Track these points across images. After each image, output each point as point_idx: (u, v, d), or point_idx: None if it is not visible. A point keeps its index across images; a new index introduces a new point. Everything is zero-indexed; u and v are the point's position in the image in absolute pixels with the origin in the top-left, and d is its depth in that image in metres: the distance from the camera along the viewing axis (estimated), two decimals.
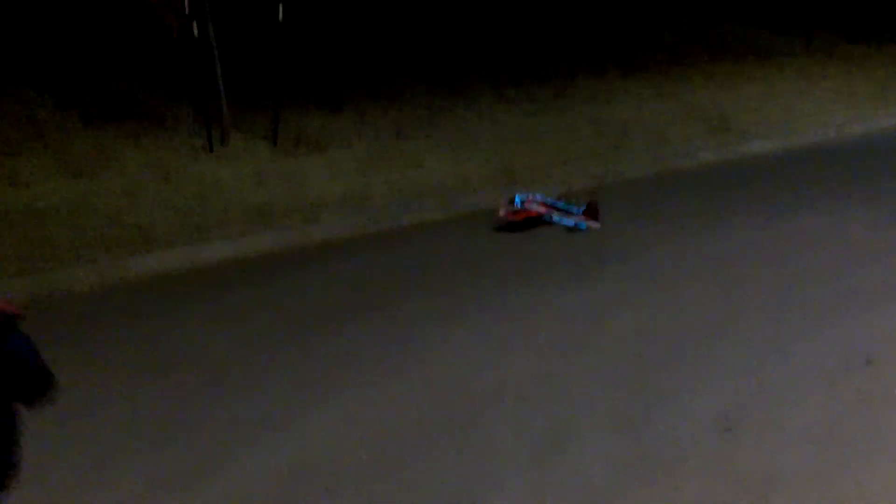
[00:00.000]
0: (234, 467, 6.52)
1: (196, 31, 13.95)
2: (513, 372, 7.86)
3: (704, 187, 14.55)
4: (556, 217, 12.22)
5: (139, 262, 10.93)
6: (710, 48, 23.68)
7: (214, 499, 6.17)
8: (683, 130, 17.46)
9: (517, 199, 12.22)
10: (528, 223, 12.15)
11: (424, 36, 20.32)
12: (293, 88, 15.96)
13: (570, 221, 12.19)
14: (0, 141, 13.40)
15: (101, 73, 15.57)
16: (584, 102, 18.68)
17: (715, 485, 6.02)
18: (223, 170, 13.68)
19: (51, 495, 6.21)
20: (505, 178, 14.11)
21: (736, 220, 12.35)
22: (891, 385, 7.47)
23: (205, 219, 12.04)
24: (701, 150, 16.61)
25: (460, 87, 18.58)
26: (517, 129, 16.32)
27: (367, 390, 7.61)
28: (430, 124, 16.53)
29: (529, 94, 18.68)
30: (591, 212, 12.30)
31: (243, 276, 10.82)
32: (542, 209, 12.25)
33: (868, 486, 5.97)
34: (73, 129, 14.10)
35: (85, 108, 14.63)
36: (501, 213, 12.27)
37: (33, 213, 11.78)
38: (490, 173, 14.36)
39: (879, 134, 18.88)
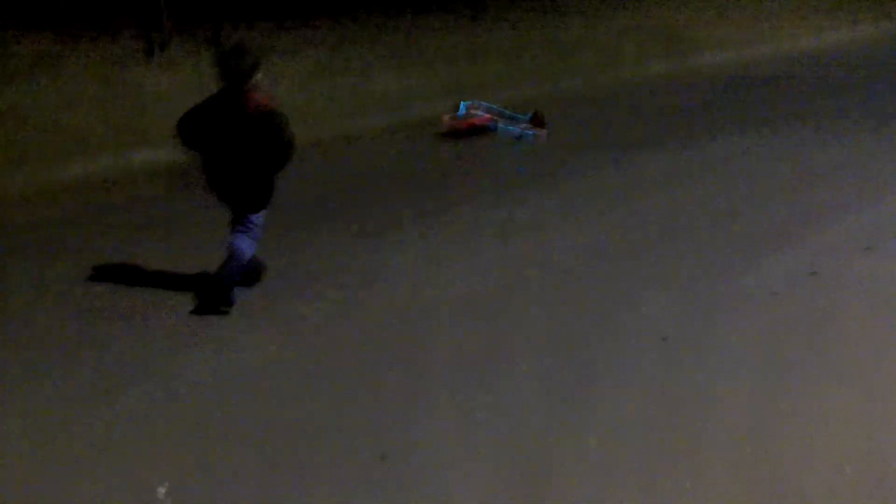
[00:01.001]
0: (141, 387, 6.06)
1: None
2: (451, 290, 7.60)
3: (655, 103, 14.41)
4: (501, 125, 12.05)
5: (73, 167, 10.59)
6: None
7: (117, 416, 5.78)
8: (636, 47, 17.27)
9: (462, 107, 12.03)
10: (472, 131, 11.97)
11: None
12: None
13: (515, 130, 12.03)
14: None
15: None
16: (536, 17, 18.47)
17: (650, 404, 5.83)
18: (163, 77, 13.36)
19: None
20: (451, 91, 13.80)
21: (684, 137, 12.23)
22: (834, 295, 7.40)
23: (142, 125, 11.70)
24: (651, 64, 16.46)
25: (408, 1, 18.34)
26: (466, 44, 16.08)
27: (300, 308, 7.26)
28: (376, 38, 16.27)
29: (480, 8, 18.45)
30: (537, 121, 12.13)
31: (178, 185, 10.42)
32: (486, 117, 12.07)
33: (805, 405, 5.80)
34: (10, 35, 13.77)
35: (23, 14, 14.30)
36: (445, 119, 12.09)
37: None
38: (436, 87, 14.12)
39: (829, 50, 18.86)
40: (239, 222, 7.06)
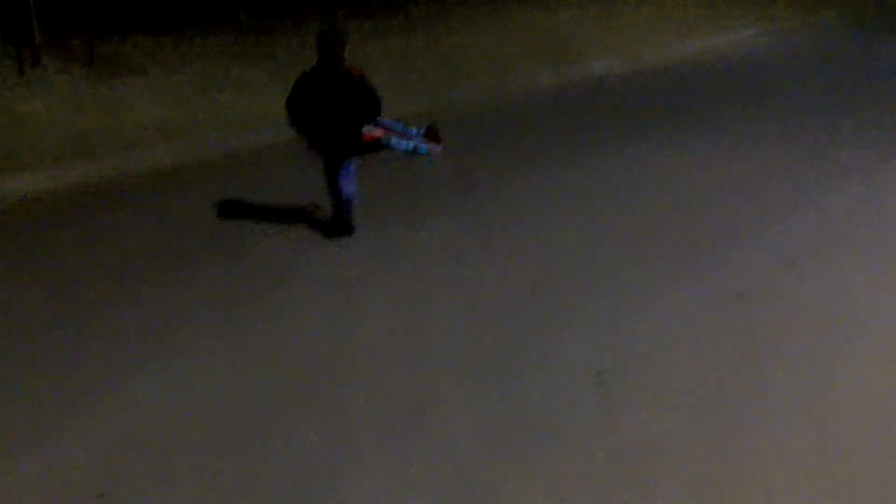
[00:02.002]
0: (53, 441, 5.61)
1: None
2: (366, 327, 7.10)
3: (547, 114, 14.08)
4: (393, 140, 11.53)
5: None
6: None
7: (30, 480, 5.27)
8: (521, 54, 16.97)
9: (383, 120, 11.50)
10: (364, 148, 11.46)
11: None
12: (111, 10, 14.99)
13: (408, 145, 11.55)
14: None
15: None
16: (418, 27, 18.09)
17: (593, 454, 5.41)
18: (34, 94, 12.64)
19: None
20: None
21: (584, 151, 11.84)
22: (764, 319, 7.10)
23: (13, 148, 11.00)
24: (541, 74, 16.15)
25: (287, 10, 17.82)
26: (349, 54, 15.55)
27: (201, 352, 6.70)
28: (257, 52, 15.74)
29: (365, 16, 17.99)
30: (432, 134, 11.66)
31: (55, 214, 9.71)
32: (378, 132, 11.53)
33: (751, 446, 5.47)
34: None
35: None
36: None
37: None
38: None
39: (715, 54, 18.72)
40: (339, 169, 8.88)
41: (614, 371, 6.31)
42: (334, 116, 8.75)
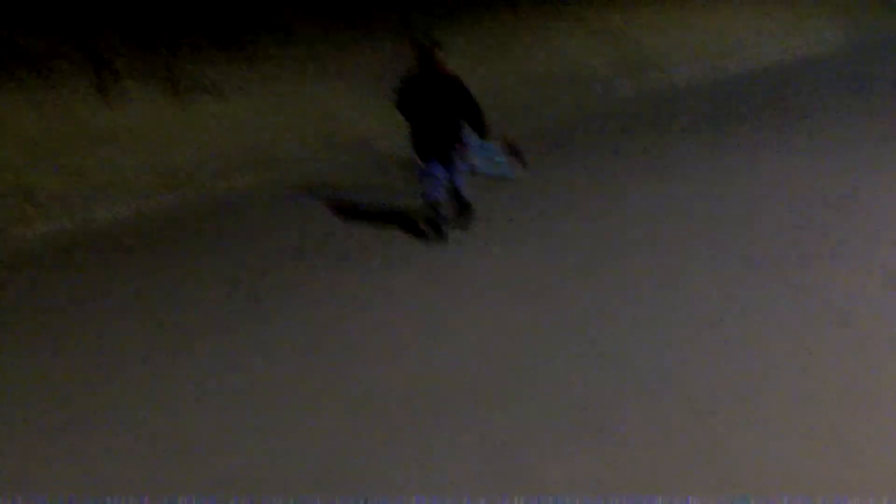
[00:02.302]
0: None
1: None
2: (455, 354, 6.90)
3: (632, 125, 13.85)
4: (479, 165, 11.38)
5: (22, 230, 9.83)
6: None
7: None
8: (598, 63, 16.77)
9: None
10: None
11: None
12: (188, 26, 15.00)
13: (494, 170, 11.42)
14: None
15: None
16: (493, 39, 17.94)
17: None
18: (115, 120, 12.68)
19: None
20: None
21: (676, 164, 11.63)
22: (870, 341, 6.68)
23: (96, 177, 11.00)
24: (623, 83, 15.94)
25: (362, 21, 17.75)
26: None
27: (284, 387, 6.57)
28: (343, 66, 15.69)
29: (435, 28, 17.86)
30: (509, 147, 11.55)
31: (137, 243, 9.67)
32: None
33: None
34: None
35: None
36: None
37: None
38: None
39: (792, 60, 18.33)
40: (448, 166, 9.36)
41: (717, 411, 6.07)
42: (434, 115, 9.22)
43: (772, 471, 5.31)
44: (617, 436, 5.71)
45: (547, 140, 13.19)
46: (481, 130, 9.27)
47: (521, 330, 7.27)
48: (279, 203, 10.76)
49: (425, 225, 9.63)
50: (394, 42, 17.02)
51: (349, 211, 10.30)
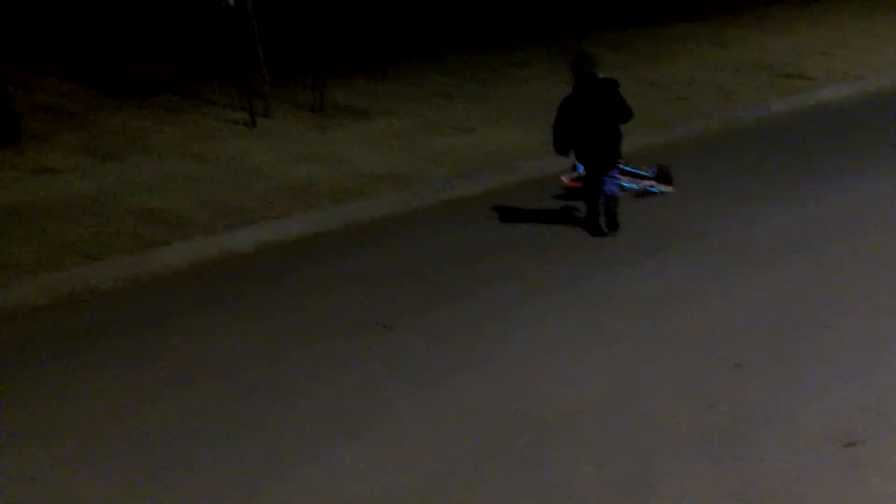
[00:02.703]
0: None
1: None
2: (586, 385, 6.75)
3: (779, 146, 13.50)
4: (625, 182, 11.22)
5: (170, 253, 9.84)
6: None
7: None
8: (748, 82, 16.42)
9: (579, 166, 11.24)
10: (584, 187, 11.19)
11: None
12: (334, 55, 15.13)
13: (641, 186, 11.27)
14: (28, 126, 12.65)
15: (129, 50, 14.86)
16: (637, 58, 17.77)
17: None
18: (262, 146, 12.84)
19: None
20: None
21: (826, 185, 11.21)
22: None
23: (245, 200, 11.08)
24: (769, 102, 15.58)
25: (506, 46, 17.72)
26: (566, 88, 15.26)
27: (414, 417, 6.49)
28: (475, 88, 15.66)
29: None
30: (664, 176, 11.35)
31: (278, 266, 9.65)
32: (579, 183, 11.23)
33: None
34: (103, 111, 13.37)
35: (114, 89, 13.93)
36: (564, 180, 11.33)
37: (62, 202, 10.86)
38: (543, 138, 13.35)
39: None
40: (604, 176, 9.95)
41: (862, 432, 5.83)
42: (599, 124, 9.83)
43: None
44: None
45: (694, 155, 12.95)
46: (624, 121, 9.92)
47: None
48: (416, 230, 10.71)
49: (597, 221, 10.06)
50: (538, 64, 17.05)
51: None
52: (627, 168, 11.25)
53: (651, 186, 11.19)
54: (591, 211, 10.10)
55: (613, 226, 10.01)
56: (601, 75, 9.90)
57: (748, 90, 15.95)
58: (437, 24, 18.48)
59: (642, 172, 11.36)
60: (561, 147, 10.11)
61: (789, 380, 6.63)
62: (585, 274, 8.93)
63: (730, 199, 10.85)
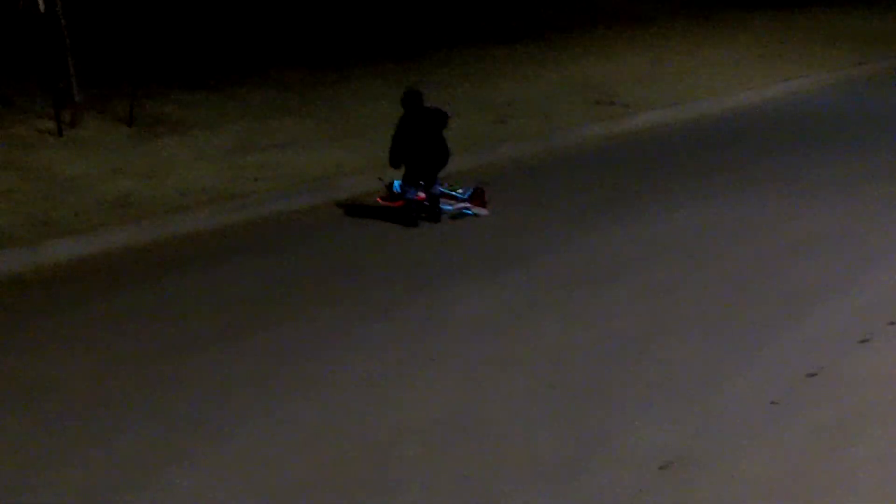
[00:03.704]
0: None
1: (42, 4, 12.77)
2: (416, 408, 6.75)
3: (597, 168, 13.67)
4: (442, 204, 11.23)
5: None
6: (590, 17, 23.20)
7: None
8: (569, 105, 16.60)
9: (395, 185, 11.21)
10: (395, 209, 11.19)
11: (294, 11, 19.42)
12: (152, 66, 14.79)
13: (454, 207, 11.27)
14: None
15: None
16: (463, 78, 17.83)
17: None
18: (74, 156, 12.43)
19: None
20: (383, 159, 12.81)
21: (638, 209, 11.45)
22: (843, 403, 6.65)
23: (53, 212, 10.74)
24: (590, 126, 15.73)
25: (336, 64, 17.65)
26: (395, 108, 15.19)
27: (247, 439, 6.37)
28: (302, 105, 15.51)
29: (406, 69, 17.75)
30: (479, 198, 11.37)
31: (95, 283, 9.39)
32: (421, 196, 11.21)
33: None
34: None
35: None
36: (379, 199, 11.28)
37: None
38: (367, 156, 13.28)
39: (770, 104, 18.11)
40: (432, 182, 11.09)
41: (686, 459, 5.93)
42: (428, 144, 11.01)
43: None
44: None
45: (513, 176, 13.04)
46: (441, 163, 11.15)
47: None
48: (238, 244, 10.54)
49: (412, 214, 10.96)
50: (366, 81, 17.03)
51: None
52: (443, 189, 11.25)
53: (466, 209, 11.22)
54: (407, 206, 11.01)
55: (435, 218, 11.10)
56: (429, 104, 11.29)
57: (569, 114, 16.13)
58: (267, 40, 18.28)
59: (457, 194, 11.36)
60: (395, 161, 11.06)
61: (616, 403, 6.76)
62: (413, 296, 8.91)
63: (550, 223, 11.01)
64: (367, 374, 7.29)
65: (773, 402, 6.64)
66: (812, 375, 7.02)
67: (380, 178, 11.48)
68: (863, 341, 7.60)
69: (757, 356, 7.42)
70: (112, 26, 14.83)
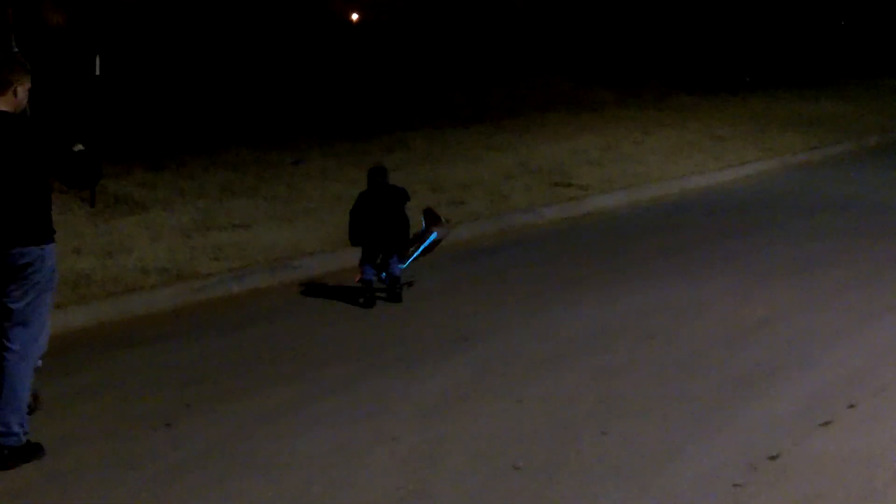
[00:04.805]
0: None
1: None
2: (368, 489, 6.69)
3: (548, 251, 13.79)
4: (416, 253, 11.31)
5: None
6: (542, 102, 23.45)
7: None
8: (525, 188, 16.74)
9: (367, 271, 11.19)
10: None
11: (249, 92, 19.50)
12: (111, 146, 14.78)
13: (419, 249, 11.34)
14: None
15: None
16: (417, 159, 17.97)
17: None
18: None
19: None
20: (339, 239, 12.82)
21: (588, 291, 11.50)
22: (808, 487, 6.65)
23: None
24: (542, 208, 15.86)
25: (287, 144, 17.72)
26: (349, 187, 15.22)
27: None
28: (258, 184, 15.56)
29: (360, 150, 17.88)
30: (432, 217, 11.51)
31: (48, 364, 9.16)
32: (358, 276, 11.20)
33: None
34: None
35: None
36: (355, 279, 11.25)
37: None
38: (324, 235, 13.31)
39: (723, 187, 18.37)
40: (391, 257, 11.01)
41: None
42: (386, 219, 10.96)
43: None
44: None
45: (464, 257, 13.14)
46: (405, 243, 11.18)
47: None
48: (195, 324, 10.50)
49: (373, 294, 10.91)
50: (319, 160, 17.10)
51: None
52: (416, 254, 11.31)
53: (430, 237, 11.31)
54: (365, 286, 10.95)
55: (395, 298, 10.99)
56: (392, 182, 11.24)
57: (522, 195, 16.23)
58: (222, 119, 18.33)
59: (424, 243, 11.39)
60: (354, 239, 11.09)
61: (567, 484, 6.72)
62: (365, 376, 8.82)
63: (505, 304, 11.01)
64: (321, 454, 7.20)
65: (735, 485, 6.65)
66: (774, 458, 6.98)
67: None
68: (824, 424, 7.60)
69: (717, 438, 7.39)
70: (71, 109, 14.77)
